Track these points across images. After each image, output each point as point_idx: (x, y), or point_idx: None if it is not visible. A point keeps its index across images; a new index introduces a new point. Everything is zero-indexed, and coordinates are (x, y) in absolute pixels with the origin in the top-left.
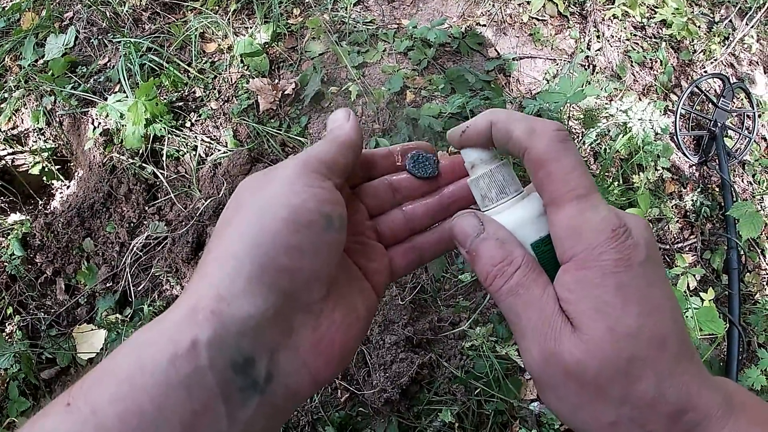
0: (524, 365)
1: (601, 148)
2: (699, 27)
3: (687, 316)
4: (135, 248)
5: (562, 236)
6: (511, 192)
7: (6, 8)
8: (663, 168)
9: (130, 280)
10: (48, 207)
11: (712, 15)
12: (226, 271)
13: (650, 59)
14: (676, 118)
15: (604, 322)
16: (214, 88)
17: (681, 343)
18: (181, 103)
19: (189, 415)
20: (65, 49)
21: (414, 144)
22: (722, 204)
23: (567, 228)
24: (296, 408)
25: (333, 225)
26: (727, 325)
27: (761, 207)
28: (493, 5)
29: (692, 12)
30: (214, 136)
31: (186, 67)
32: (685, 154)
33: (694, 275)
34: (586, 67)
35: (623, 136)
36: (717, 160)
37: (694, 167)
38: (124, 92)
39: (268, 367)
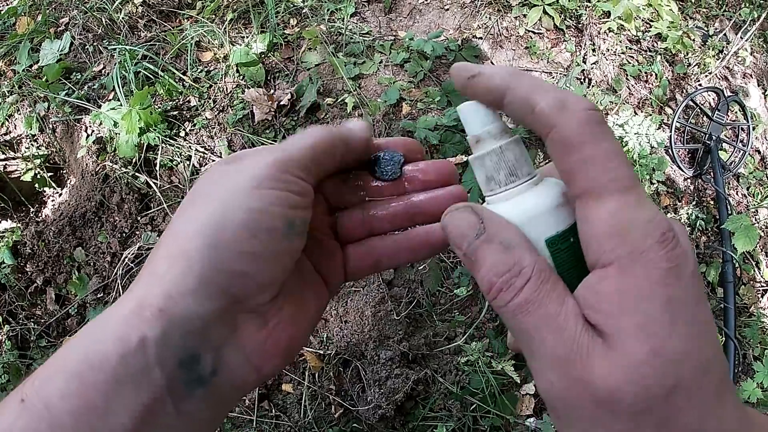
0: (539, 390)
1: None
2: (693, 40)
3: None
4: (127, 259)
5: (602, 235)
6: (523, 175)
7: (1, 12)
8: (658, 181)
9: (121, 291)
10: (39, 215)
11: (706, 28)
12: (176, 270)
13: (645, 72)
14: (671, 131)
15: (648, 342)
16: (209, 98)
17: (722, 370)
18: (175, 112)
19: (139, 409)
20: (60, 55)
21: (402, 141)
22: (717, 217)
23: (609, 225)
24: (242, 397)
25: (294, 230)
26: (723, 338)
27: (756, 220)
28: (490, 18)
29: (687, 25)
30: (209, 146)
31: (181, 75)
32: (680, 168)
33: None
34: (582, 80)
35: None
36: (712, 173)
37: (689, 180)
38: (119, 100)
39: (213, 363)
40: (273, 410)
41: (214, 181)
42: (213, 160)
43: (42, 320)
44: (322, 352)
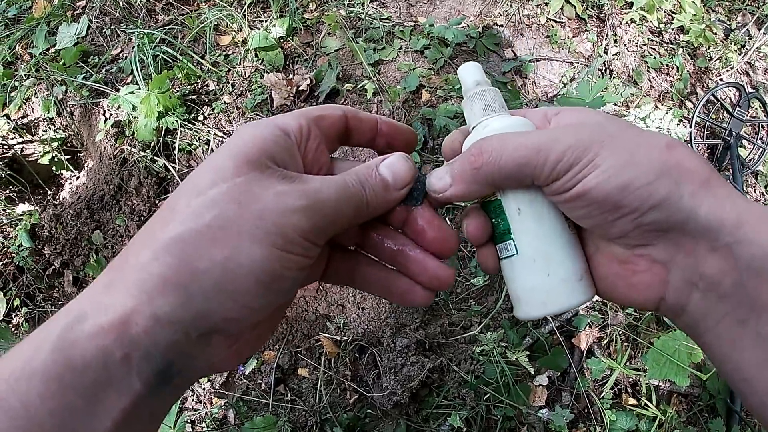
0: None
1: None
2: (716, 34)
3: None
4: None
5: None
6: (506, 108)
7: None
8: None
9: None
10: (57, 198)
11: (728, 22)
12: (170, 298)
13: (667, 65)
14: (691, 126)
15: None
16: (228, 82)
17: None
18: (194, 97)
19: (118, 412)
20: (77, 38)
21: (405, 128)
22: None
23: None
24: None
25: (296, 286)
26: None
27: None
28: (511, 5)
29: (709, 19)
30: (227, 130)
31: (200, 59)
32: None
33: None
34: (603, 71)
35: None
36: (731, 170)
37: None
38: (137, 84)
39: (180, 368)
40: (289, 394)
41: (240, 202)
42: None
43: (60, 303)
44: (338, 338)
